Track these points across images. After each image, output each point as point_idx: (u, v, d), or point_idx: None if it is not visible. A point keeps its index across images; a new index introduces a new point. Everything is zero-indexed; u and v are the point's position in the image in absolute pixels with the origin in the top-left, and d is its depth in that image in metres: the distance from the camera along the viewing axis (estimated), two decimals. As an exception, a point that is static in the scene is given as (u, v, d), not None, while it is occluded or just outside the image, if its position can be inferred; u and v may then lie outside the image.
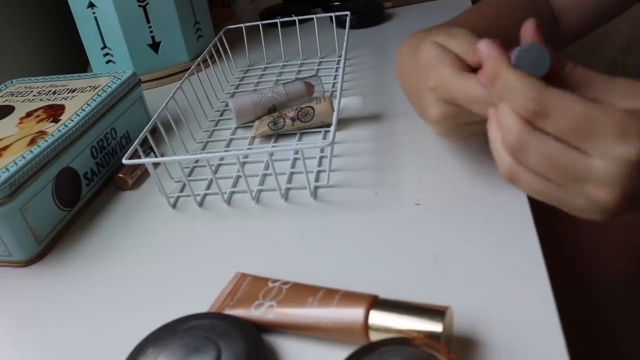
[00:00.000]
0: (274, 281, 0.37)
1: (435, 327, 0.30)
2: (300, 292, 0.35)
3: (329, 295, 0.34)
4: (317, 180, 0.50)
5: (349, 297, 0.33)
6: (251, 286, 0.37)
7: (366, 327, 0.32)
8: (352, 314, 0.32)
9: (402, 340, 0.30)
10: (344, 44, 0.62)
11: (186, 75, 0.61)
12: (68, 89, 0.58)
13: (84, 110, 0.53)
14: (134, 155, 0.47)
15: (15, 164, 0.45)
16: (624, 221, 0.36)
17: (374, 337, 0.32)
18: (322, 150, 0.53)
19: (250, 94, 0.60)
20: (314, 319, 0.33)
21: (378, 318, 0.32)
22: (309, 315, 0.33)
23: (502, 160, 0.34)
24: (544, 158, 0.31)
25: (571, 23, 0.60)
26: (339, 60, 0.73)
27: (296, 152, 0.53)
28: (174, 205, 0.50)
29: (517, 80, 0.31)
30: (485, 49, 0.33)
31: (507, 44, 0.35)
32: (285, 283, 0.36)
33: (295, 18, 0.75)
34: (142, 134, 0.50)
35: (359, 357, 0.30)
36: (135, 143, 0.48)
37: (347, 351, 0.30)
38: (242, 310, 0.35)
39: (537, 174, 0.32)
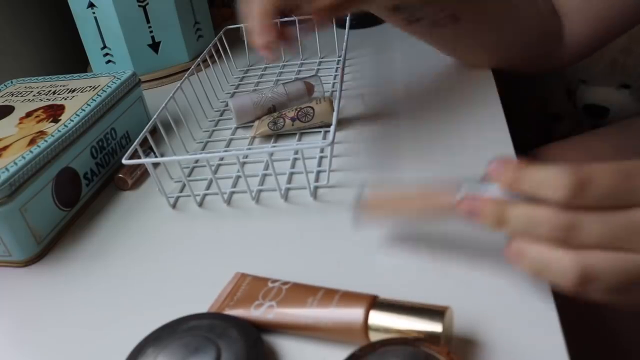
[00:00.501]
0: (274, 281, 0.37)
1: (435, 327, 0.30)
2: (300, 292, 0.35)
3: (329, 295, 0.34)
4: (317, 180, 0.50)
5: (348, 297, 0.33)
6: (251, 286, 0.37)
7: (366, 327, 0.32)
8: (352, 314, 0.32)
9: (402, 341, 0.30)
10: (344, 44, 0.62)
11: (186, 76, 0.61)
12: (68, 89, 0.58)
13: (84, 110, 0.53)
14: (134, 155, 0.47)
15: (15, 164, 0.45)
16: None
17: (374, 337, 0.31)
18: (322, 150, 0.53)
19: (250, 94, 0.60)
20: (314, 319, 0.33)
21: (378, 318, 0.32)
22: (308, 316, 0.33)
23: (563, 261, 0.28)
24: (601, 224, 0.28)
25: (578, 27, 0.59)
26: (339, 60, 0.73)
27: (296, 152, 0.53)
28: (173, 206, 0.50)
29: (543, 171, 0.29)
30: (497, 165, 0.31)
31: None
32: (285, 283, 0.36)
33: (295, 18, 0.75)
34: (142, 134, 0.50)
35: (359, 357, 0.30)
36: (135, 143, 0.48)
37: (347, 351, 0.30)
38: (241, 310, 0.35)
39: (604, 247, 0.28)
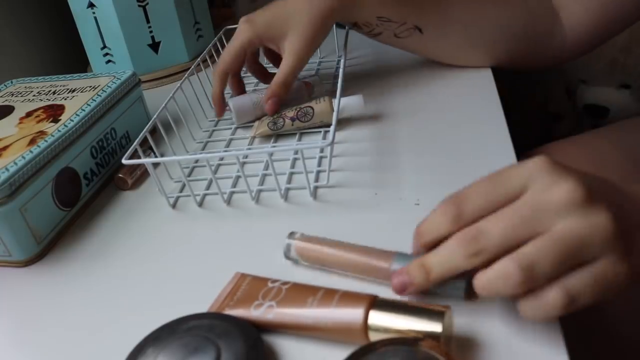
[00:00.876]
0: (274, 281, 0.37)
1: (435, 327, 0.30)
2: (300, 292, 0.35)
3: (329, 295, 0.34)
4: (316, 180, 0.49)
5: (348, 297, 0.33)
6: (251, 286, 0.37)
7: (366, 327, 0.32)
8: (352, 314, 0.32)
9: (402, 341, 0.30)
10: (344, 44, 0.62)
11: (186, 76, 0.61)
12: (68, 89, 0.58)
13: (84, 110, 0.53)
14: (134, 155, 0.47)
15: (15, 164, 0.45)
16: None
17: (374, 337, 0.31)
18: (321, 150, 0.53)
19: (250, 94, 0.60)
20: (314, 319, 0.33)
21: (377, 318, 0.32)
22: (308, 316, 0.33)
23: (503, 270, 0.29)
24: (495, 220, 0.30)
25: (578, 23, 0.59)
26: (338, 60, 0.73)
27: (296, 152, 0.53)
28: (173, 206, 0.50)
29: (429, 218, 0.33)
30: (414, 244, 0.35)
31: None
32: (285, 283, 0.36)
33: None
34: (141, 134, 0.50)
35: (359, 357, 0.30)
36: (135, 143, 0.48)
37: (347, 351, 0.30)
38: (241, 310, 0.35)
39: (515, 240, 0.30)
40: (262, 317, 0.34)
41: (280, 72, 0.56)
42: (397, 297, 0.33)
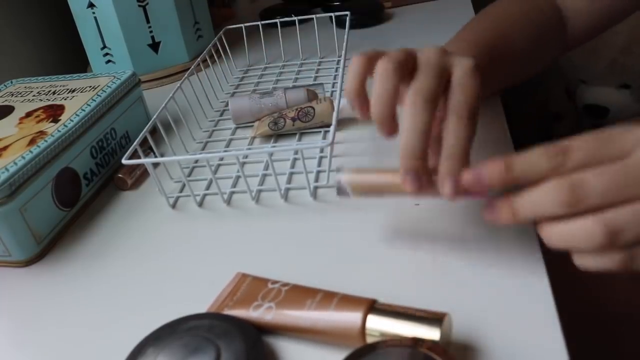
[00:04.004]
0: (274, 282, 0.37)
1: (433, 333, 0.30)
2: (299, 294, 0.35)
3: (328, 298, 0.34)
4: (316, 180, 0.49)
5: (347, 301, 0.33)
6: (251, 287, 0.37)
7: (363, 331, 0.32)
8: (350, 317, 0.32)
9: (401, 342, 0.30)
10: (344, 44, 0.62)
11: (186, 76, 0.61)
12: (68, 89, 0.58)
13: (84, 110, 0.53)
14: (134, 155, 0.47)
15: (15, 164, 0.45)
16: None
17: (371, 341, 0.31)
18: (321, 151, 0.53)
19: (251, 99, 0.60)
20: (312, 322, 0.33)
21: (375, 322, 0.31)
22: (306, 318, 0.33)
23: (587, 228, 0.29)
24: (601, 177, 0.29)
25: (577, 26, 0.59)
26: (338, 61, 0.73)
27: (296, 152, 0.53)
28: (173, 206, 0.50)
29: (527, 154, 0.31)
30: (480, 169, 0.32)
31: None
32: (285, 285, 0.36)
33: (295, 18, 0.75)
34: (141, 134, 0.50)
35: (358, 357, 0.30)
36: (134, 143, 0.48)
37: (346, 353, 0.30)
38: (241, 310, 0.35)
39: (613, 199, 0.28)
40: (261, 318, 0.34)
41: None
42: (396, 300, 0.33)
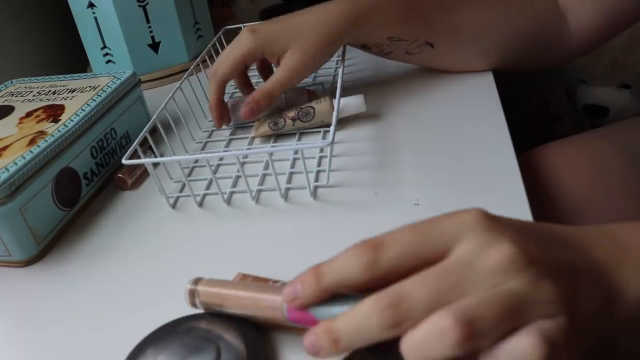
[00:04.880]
0: (274, 282, 0.37)
1: None
2: None
3: None
4: (316, 180, 0.50)
5: None
6: None
7: None
8: None
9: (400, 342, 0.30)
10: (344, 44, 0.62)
11: (185, 76, 0.61)
12: (68, 89, 0.58)
13: (84, 110, 0.53)
14: (134, 155, 0.47)
15: (15, 164, 0.45)
16: (623, 219, 0.36)
17: None
18: (321, 150, 0.53)
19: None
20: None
21: None
22: None
23: (440, 326, 0.25)
24: (420, 282, 0.26)
25: (585, 24, 0.59)
26: (338, 60, 0.73)
27: (296, 152, 0.53)
28: (173, 206, 0.50)
29: (337, 258, 0.28)
30: (294, 287, 0.29)
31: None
32: (285, 284, 0.36)
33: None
34: (141, 134, 0.50)
35: (357, 356, 0.30)
36: (134, 143, 0.48)
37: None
38: None
39: (446, 301, 0.25)
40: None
41: (267, 82, 0.54)
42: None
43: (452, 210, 0.28)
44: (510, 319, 0.25)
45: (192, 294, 0.35)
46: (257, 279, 0.38)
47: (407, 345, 0.25)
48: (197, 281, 0.35)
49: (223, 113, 0.58)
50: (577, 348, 0.27)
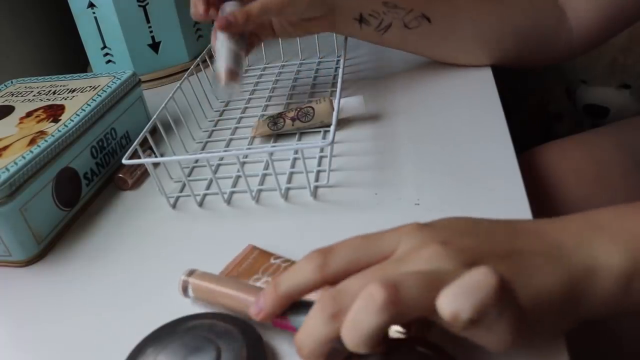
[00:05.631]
0: (276, 258, 0.39)
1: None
2: None
3: None
4: (317, 180, 0.50)
5: None
6: (256, 259, 0.40)
7: None
8: None
9: (401, 341, 0.30)
10: (344, 43, 0.62)
11: (185, 76, 0.61)
12: (68, 89, 0.58)
13: (84, 110, 0.53)
14: (134, 155, 0.47)
15: (15, 164, 0.45)
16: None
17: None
18: (322, 150, 0.53)
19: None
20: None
21: None
22: None
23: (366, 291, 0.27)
24: (359, 279, 0.28)
25: (585, 22, 0.59)
26: (338, 60, 0.73)
27: (296, 152, 0.53)
28: (173, 205, 0.50)
29: (295, 266, 0.31)
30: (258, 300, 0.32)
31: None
32: (286, 261, 0.38)
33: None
34: (142, 134, 0.50)
35: (359, 356, 0.30)
36: (135, 143, 0.48)
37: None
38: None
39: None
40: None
41: (252, 3, 0.51)
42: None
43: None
44: (436, 290, 0.25)
45: (185, 285, 0.37)
46: (262, 252, 0.40)
47: (344, 329, 0.27)
48: (190, 273, 0.38)
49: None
50: (534, 325, 0.28)
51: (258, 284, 0.37)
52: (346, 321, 0.27)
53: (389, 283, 0.26)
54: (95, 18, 0.73)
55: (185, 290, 0.37)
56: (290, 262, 0.38)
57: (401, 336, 0.30)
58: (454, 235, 0.30)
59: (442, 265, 0.28)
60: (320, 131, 0.57)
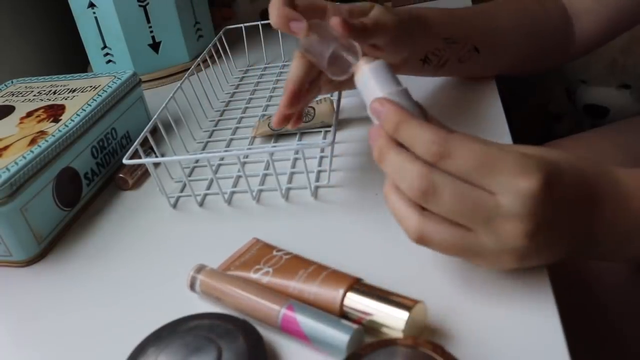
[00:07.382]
0: (279, 250, 0.40)
1: (401, 316, 0.31)
2: (295, 265, 0.37)
3: (318, 271, 0.36)
4: (317, 180, 0.50)
5: (333, 276, 0.35)
6: (259, 251, 0.40)
7: (342, 306, 0.33)
8: (332, 293, 0.34)
9: (401, 341, 0.30)
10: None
11: (186, 76, 0.61)
12: (68, 89, 0.58)
13: (85, 110, 0.53)
14: (135, 155, 0.47)
15: (16, 164, 0.45)
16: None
17: (351, 316, 0.33)
18: (322, 150, 0.53)
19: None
20: (299, 292, 0.35)
21: (353, 300, 0.33)
22: (294, 287, 0.36)
23: (409, 221, 0.33)
24: (453, 197, 0.31)
25: (588, 27, 0.59)
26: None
27: (296, 152, 0.53)
28: (174, 205, 0.50)
29: (419, 126, 0.32)
30: (382, 107, 0.35)
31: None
32: (288, 254, 0.39)
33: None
34: (142, 134, 0.50)
35: (359, 356, 0.30)
36: (135, 143, 0.48)
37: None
38: (243, 272, 0.38)
39: (447, 220, 0.32)
40: (259, 280, 0.37)
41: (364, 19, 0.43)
42: (379, 283, 0.34)
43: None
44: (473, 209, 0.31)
45: (193, 281, 0.38)
46: (266, 245, 0.41)
47: (391, 203, 0.34)
48: (199, 269, 0.38)
49: (290, 16, 0.41)
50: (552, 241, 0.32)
51: (259, 273, 0.38)
52: (397, 214, 0.34)
53: (421, 241, 0.33)
54: (96, 18, 0.73)
55: (192, 285, 0.38)
56: (291, 255, 0.39)
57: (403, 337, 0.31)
58: (545, 228, 0.31)
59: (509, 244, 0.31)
60: (320, 131, 0.57)
